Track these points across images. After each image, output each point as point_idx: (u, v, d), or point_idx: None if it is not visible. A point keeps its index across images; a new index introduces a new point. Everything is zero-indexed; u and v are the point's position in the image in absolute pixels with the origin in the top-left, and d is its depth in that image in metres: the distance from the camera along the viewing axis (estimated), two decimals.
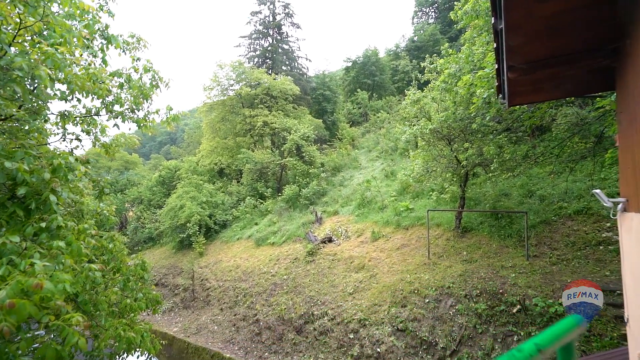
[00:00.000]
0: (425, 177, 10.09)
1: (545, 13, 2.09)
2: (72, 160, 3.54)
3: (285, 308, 10.13)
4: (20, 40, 3.61)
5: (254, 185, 20.44)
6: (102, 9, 4.86)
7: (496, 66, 2.71)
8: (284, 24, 31.21)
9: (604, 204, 2.67)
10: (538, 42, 2.39)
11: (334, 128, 27.54)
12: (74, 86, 3.87)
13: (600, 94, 5.46)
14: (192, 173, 23.14)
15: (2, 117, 3.77)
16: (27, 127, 4.08)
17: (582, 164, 9.41)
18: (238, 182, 22.67)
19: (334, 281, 10.14)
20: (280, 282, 11.48)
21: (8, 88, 3.16)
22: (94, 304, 4.38)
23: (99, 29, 4.70)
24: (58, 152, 3.70)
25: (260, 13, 30.74)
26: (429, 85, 10.12)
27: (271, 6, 30.87)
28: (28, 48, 3.58)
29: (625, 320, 2.63)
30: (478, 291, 7.14)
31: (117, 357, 4.78)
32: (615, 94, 4.20)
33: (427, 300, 7.67)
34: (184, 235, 17.81)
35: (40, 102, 4.36)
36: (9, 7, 3.31)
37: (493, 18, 2.26)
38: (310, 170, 19.09)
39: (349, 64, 34.27)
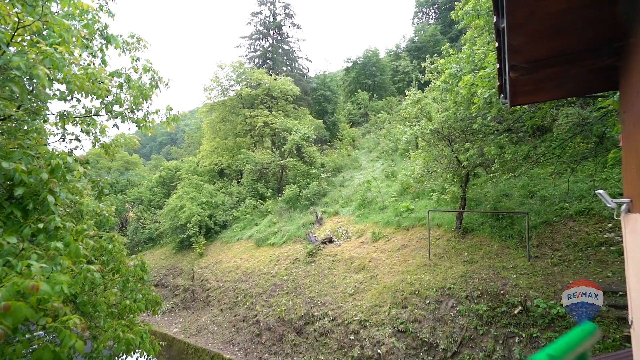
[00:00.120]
0: (425, 177, 10.06)
1: (547, 12, 2.10)
2: (70, 161, 3.52)
3: (285, 309, 10.10)
4: (18, 40, 3.59)
5: (254, 185, 20.43)
6: (101, 9, 4.87)
7: (498, 66, 2.70)
8: (284, 25, 31.24)
9: (608, 205, 2.64)
10: (540, 42, 2.39)
11: (335, 128, 27.51)
12: (73, 86, 3.86)
13: (602, 93, 5.43)
14: (192, 173, 23.12)
15: (1, 117, 3.75)
16: (25, 128, 4.06)
17: (584, 164, 9.36)
18: (238, 182, 22.66)
19: (335, 282, 10.10)
20: (281, 282, 11.45)
21: (6, 88, 3.14)
22: (93, 305, 4.37)
23: (98, 28, 4.71)
24: (56, 153, 3.68)
25: (261, 13, 30.78)
26: (430, 85, 10.10)
27: (272, 7, 30.91)
28: (26, 47, 3.56)
29: (630, 323, 2.59)
30: (479, 292, 7.11)
31: (116, 358, 4.77)
32: (618, 93, 4.18)
33: (428, 301, 7.63)
34: (184, 236, 17.79)
35: (39, 102, 4.35)
36: (7, 7, 3.30)
37: (495, 17, 2.25)
38: (311, 171, 19.05)
39: (350, 65, 34.22)
